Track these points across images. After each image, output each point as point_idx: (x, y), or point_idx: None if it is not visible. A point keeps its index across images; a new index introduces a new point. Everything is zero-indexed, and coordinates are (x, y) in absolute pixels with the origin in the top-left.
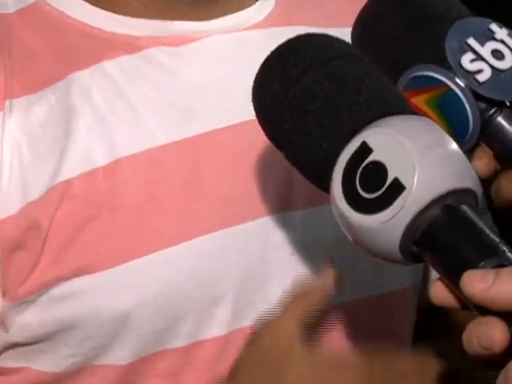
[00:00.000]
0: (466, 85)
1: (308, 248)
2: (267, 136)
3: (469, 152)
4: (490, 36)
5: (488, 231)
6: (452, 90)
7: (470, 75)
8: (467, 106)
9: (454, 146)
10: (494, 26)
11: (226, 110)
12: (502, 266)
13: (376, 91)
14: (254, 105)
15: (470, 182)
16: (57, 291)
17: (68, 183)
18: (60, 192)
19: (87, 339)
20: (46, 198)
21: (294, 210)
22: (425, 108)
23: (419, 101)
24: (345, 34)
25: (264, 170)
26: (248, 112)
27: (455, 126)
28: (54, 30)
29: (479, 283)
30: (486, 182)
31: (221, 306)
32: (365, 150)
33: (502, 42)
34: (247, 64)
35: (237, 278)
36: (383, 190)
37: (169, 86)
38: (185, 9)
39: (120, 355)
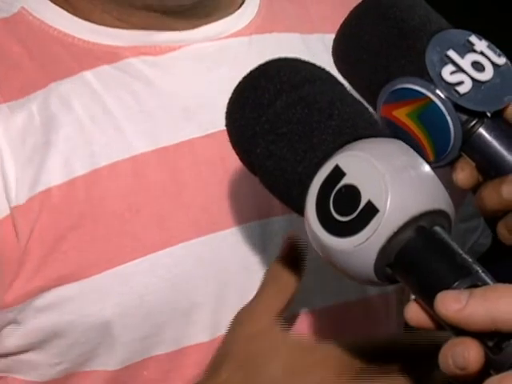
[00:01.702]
0: (446, 97)
1: None
2: (241, 161)
3: (451, 164)
4: (470, 48)
5: (461, 252)
6: (433, 102)
7: (450, 87)
8: (448, 118)
9: (426, 167)
10: (473, 38)
11: (205, 118)
12: (476, 286)
13: (348, 115)
14: (228, 130)
15: (442, 203)
16: (39, 302)
17: (48, 193)
18: (40, 202)
19: (72, 346)
20: (25, 207)
21: (274, 216)
22: (406, 121)
23: (401, 113)
24: (328, 40)
25: (243, 177)
26: (225, 121)
27: (437, 138)
28: (36, 40)
29: (453, 304)
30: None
31: (202, 312)
32: (338, 173)
33: (482, 53)
34: (227, 72)
35: (217, 285)
36: (357, 212)
37: (148, 96)
38: (162, 20)
39: (106, 362)
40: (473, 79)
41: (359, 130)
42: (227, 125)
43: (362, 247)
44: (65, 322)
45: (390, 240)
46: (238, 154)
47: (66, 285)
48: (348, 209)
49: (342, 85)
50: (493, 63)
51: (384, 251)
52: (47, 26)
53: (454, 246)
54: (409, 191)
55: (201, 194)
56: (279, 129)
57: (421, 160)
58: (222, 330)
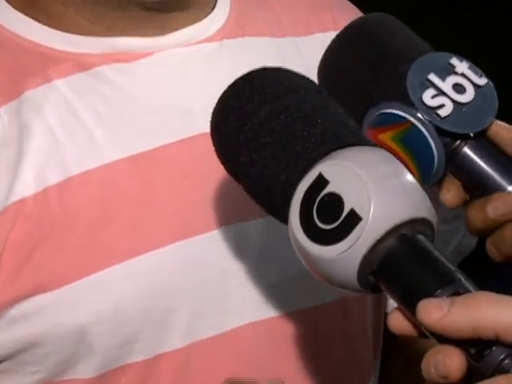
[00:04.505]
0: (428, 120)
1: (265, 259)
2: (226, 169)
3: (437, 184)
4: (451, 70)
5: (444, 260)
6: (415, 126)
7: (432, 111)
8: (431, 141)
9: (409, 176)
10: (454, 60)
11: (176, 124)
12: (459, 293)
13: (331, 123)
14: (212, 138)
15: (425, 211)
16: (13, 312)
17: (21, 203)
18: (14, 212)
19: (48, 356)
20: (0, 218)
21: (250, 220)
22: (391, 144)
23: (385, 138)
24: (298, 43)
25: (217, 182)
26: (198, 126)
27: (421, 161)
28: (7, 51)
29: (434, 312)
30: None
31: (177, 318)
32: (321, 181)
33: (463, 75)
34: (199, 78)
35: (193, 290)
36: (340, 221)
37: (120, 103)
38: (132, 24)
39: (84, 370)
40: (454, 101)
41: (342, 138)
42: (212, 133)
43: (345, 255)
44: (40, 332)
45: (373, 248)
46: (222, 162)
47: (40, 294)
48: (331, 217)
49: (325, 93)
50: (474, 84)
51: (367, 259)
52: (18, 37)
53: (437, 254)
54: (391, 199)
55: (174, 200)
56: (263, 138)
57: (403, 168)
58: (199, 336)
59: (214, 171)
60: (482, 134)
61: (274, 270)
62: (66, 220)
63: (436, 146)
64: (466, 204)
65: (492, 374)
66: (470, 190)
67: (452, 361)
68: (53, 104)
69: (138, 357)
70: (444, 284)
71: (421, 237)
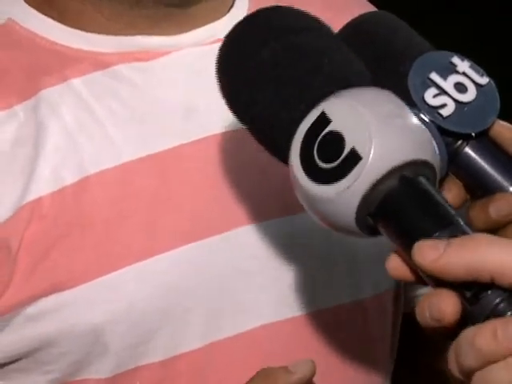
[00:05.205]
0: (430, 120)
1: (283, 257)
2: (231, 112)
3: (439, 183)
4: (452, 69)
5: (444, 203)
6: None
7: (433, 110)
8: (433, 141)
9: (413, 118)
10: (455, 59)
11: (193, 124)
12: (456, 237)
13: (337, 63)
14: (218, 81)
15: (428, 154)
16: (30, 310)
17: (37, 202)
18: (29, 211)
19: (64, 355)
20: (15, 217)
21: (268, 219)
22: None
23: None
24: None
25: (233, 182)
26: (215, 126)
27: None
28: (24, 49)
29: (430, 252)
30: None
31: (194, 318)
32: (323, 120)
33: (464, 74)
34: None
35: (209, 290)
36: (340, 159)
37: (137, 102)
38: (150, 23)
39: (98, 370)
40: (456, 101)
41: (349, 78)
42: (216, 75)
43: (344, 194)
44: (56, 331)
45: (373, 188)
46: (227, 105)
47: (56, 293)
48: (332, 156)
49: (333, 34)
50: (475, 83)
51: (366, 199)
52: (35, 35)
53: (438, 196)
54: (393, 140)
55: (190, 200)
56: (265, 76)
57: (408, 110)
58: (216, 336)
59: (230, 171)
60: (483, 134)
61: (292, 268)
62: (83, 219)
63: (438, 146)
64: (467, 204)
65: (487, 318)
66: (471, 190)
67: (446, 304)
68: (69, 103)
69: (155, 357)
70: (443, 226)
71: (422, 179)
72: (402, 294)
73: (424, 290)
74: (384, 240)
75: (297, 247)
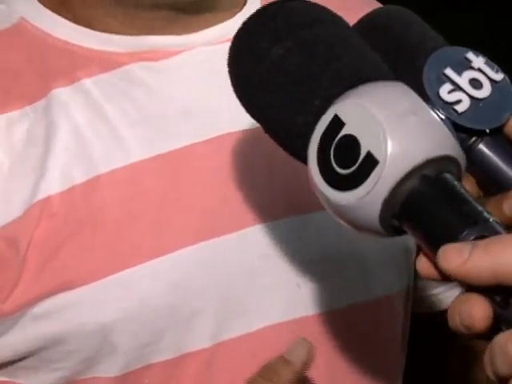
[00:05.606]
0: (445, 116)
1: (293, 257)
2: (246, 111)
3: None
4: (467, 65)
5: (471, 199)
6: None
7: (448, 106)
8: (453, 134)
9: (429, 112)
10: (470, 55)
11: (204, 124)
12: (485, 237)
13: (348, 59)
14: (232, 82)
15: (448, 148)
16: (39, 308)
17: (47, 201)
18: (39, 210)
19: (73, 353)
20: (25, 216)
21: (278, 219)
22: None
23: None
24: None
25: (244, 182)
26: (225, 125)
27: None
28: (36, 49)
29: (455, 258)
30: None
31: (203, 318)
32: (337, 123)
33: (480, 70)
34: (227, 76)
35: (219, 290)
36: (357, 165)
37: (147, 102)
38: (162, 24)
39: (107, 369)
40: (471, 97)
41: (360, 73)
42: (229, 75)
43: (365, 200)
44: (64, 329)
45: (393, 191)
46: (242, 104)
47: (65, 292)
48: (349, 161)
49: (343, 24)
50: (490, 79)
51: (388, 203)
52: (47, 35)
53: (464, 193)
54: (410, 139)
55: (201, 199)
56: (276, 78)
57: (424, 104)
58: (224, 336)
59: (241, 170)
60: (498, 131)
61: (302, 268)
62: (93, 218)
63: None
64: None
65: None
66: (485, 187)
67: (476, 310)
68: (80, 103)
69: (163, 356)
70: (471, 225)
71: (446, 175)
72: (411, 295)
73: (440, 289)
74: (395, 240)
75: (307, 247)
